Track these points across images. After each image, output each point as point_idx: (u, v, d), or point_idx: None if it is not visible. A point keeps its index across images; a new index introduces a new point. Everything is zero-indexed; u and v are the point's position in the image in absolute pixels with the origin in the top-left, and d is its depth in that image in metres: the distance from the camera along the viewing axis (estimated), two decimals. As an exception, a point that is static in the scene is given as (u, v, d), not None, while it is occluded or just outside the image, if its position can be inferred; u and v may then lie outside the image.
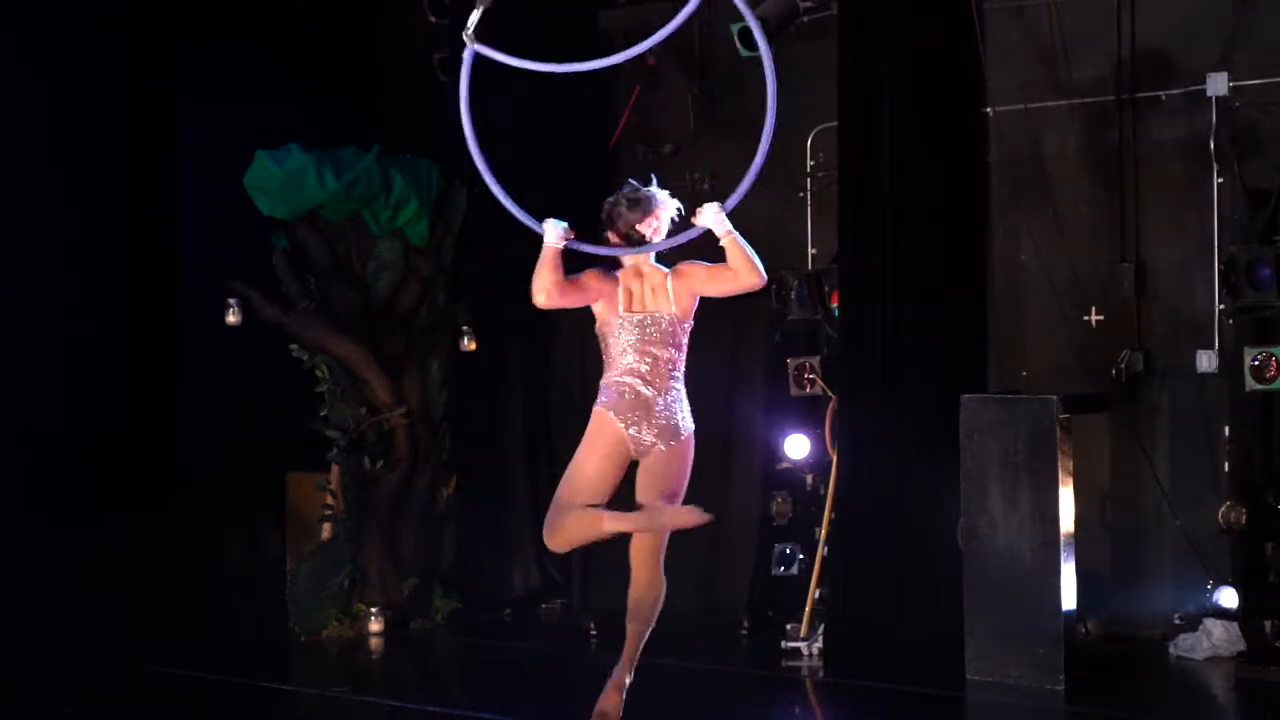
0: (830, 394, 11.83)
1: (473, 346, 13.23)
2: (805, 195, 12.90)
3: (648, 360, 7.54)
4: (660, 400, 7.55)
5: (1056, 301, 11.68)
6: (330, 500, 12.87)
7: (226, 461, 13.64)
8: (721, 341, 12.84)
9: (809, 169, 12.88)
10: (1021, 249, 11.95)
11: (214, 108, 13.37)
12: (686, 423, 7.61)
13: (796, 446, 12.19)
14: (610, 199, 7.77)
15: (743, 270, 7.48)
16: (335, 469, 12.88)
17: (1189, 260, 11.43)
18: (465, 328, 13.21)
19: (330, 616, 12.56)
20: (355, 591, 12.69)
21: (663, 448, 7.53)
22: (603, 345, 7.67)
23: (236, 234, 13.01)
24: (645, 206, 7.68)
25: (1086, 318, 11.74)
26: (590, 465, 7.50)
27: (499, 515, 13.47)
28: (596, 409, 7.60)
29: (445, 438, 13.16)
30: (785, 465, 12.32)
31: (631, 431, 7.52)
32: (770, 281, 12.15)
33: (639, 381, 7.53)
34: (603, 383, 7.65)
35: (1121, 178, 11.61)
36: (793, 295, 12.17)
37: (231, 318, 12.73)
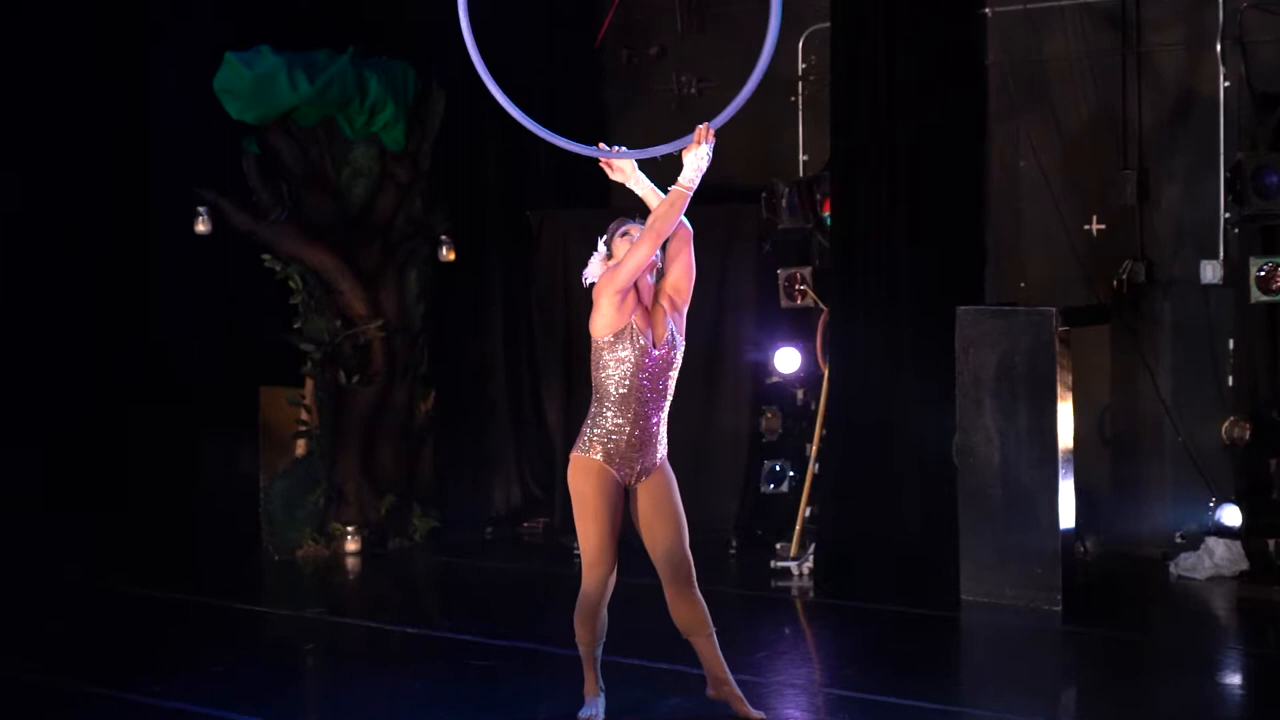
0: (822, 305, 11.83)
1: (451, 256, 13.18)
2: (797, 100, 12.86)
3: None
4: None
5: (1056, 210, 11.65)
6: (304, 416, 12.88)
7: (197, 376, 13.64)
8: (710, 252, 12.77)
9: (800, 73, 12.83)
10: (1020, 155, 11.92)
11: (182, 8, 13.30)
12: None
13: (787, 360, 12.19)
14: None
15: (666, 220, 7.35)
16: (309, 383, 12.88)
17: (1193, 167, 11.40)
18: (444, 237, 13.16)
19: (305, 535, 12.59)
20: (331, 510, 12.72)
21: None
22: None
23: (206, 139, 12.94)
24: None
25: (1087, 227, 11.72)
26: None
27: (479, 431, 13.47)
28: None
29: (423, 350, 13.16)
30: (775, 379, 12.34)
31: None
32: (760, 190, 12.33)
33: None
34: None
35: (1124, 81, 11.56)
36: (784, 204, 12.14)
37: (201, 226, 12.67)
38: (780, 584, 11.28)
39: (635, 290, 7.45)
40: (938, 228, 11.19)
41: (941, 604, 10.39)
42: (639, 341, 7.42)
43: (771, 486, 12.33)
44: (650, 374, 7.46)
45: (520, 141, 13.19)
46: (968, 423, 10.58)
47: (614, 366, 7.45)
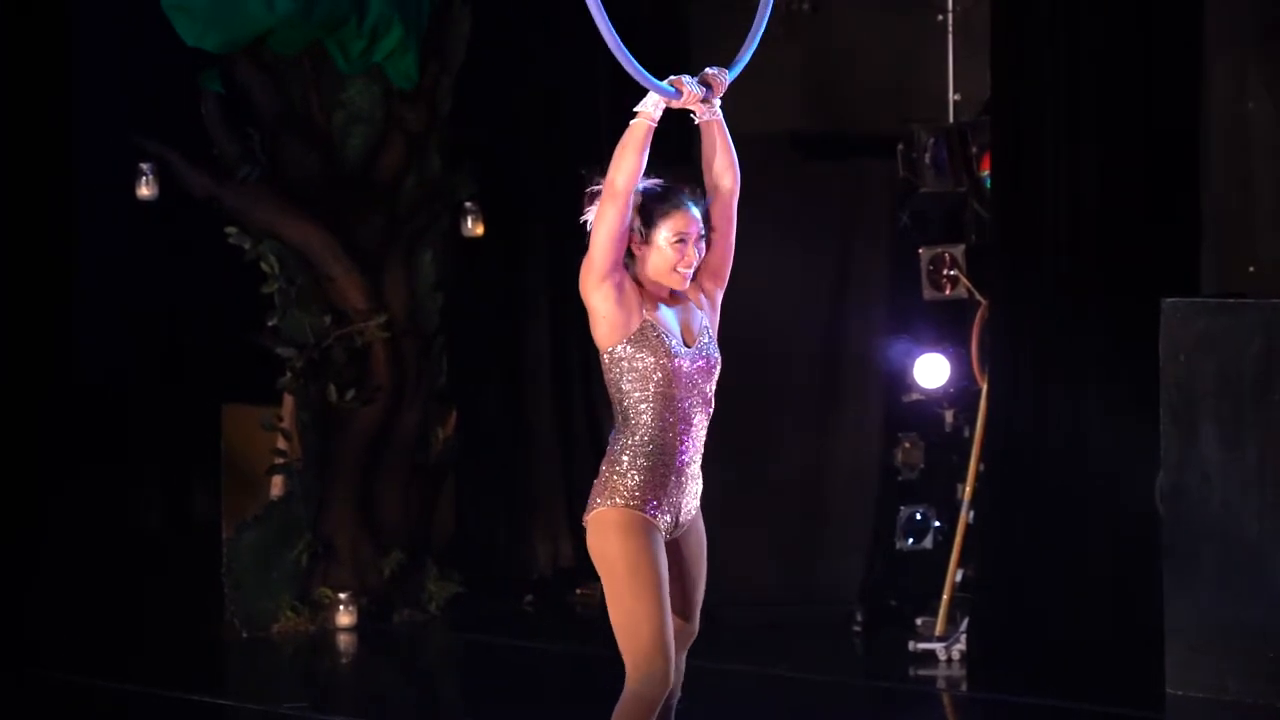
0: (979, 297, 11.86)
1: (479, 230, 13.26)
2: (945, 19, 12.84)
3: None
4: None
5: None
6: (282, 444, 12.97)
7: (137, 390, 13.69)
8: (826, 225, 12.82)
9: (952, -19, 12.88)
10: (1248, 94, 11.88)
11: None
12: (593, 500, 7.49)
13: (931, 371, 12.19)
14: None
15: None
16: (288, 401, 12.98)
17: None
18: (469, 204, 13.24)
19: (283, 605, 12.67)
20: (317, 571, 12.80)
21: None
22: None
23: (151, 73, 13.02)
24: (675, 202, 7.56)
25: (1341, 189, 11.72)
26: None
27: (516, 465, 13.50)
28: None
29: (441, 358, 13.24)
30: (915, 397, 12.35)
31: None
32: (896, 140, 12.33)
33: None
34: None
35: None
36: (927, 159, 12.12)
37: (144, 190, 12.78)
38: (922, 672, 11.31)
39: (630, 274, 7.40)
40: (1136, 192, 11.19)
41: (1140, 700, 10.36)
42: (665, 341, 7.41)
43: (910, 541, 12.30)
44: (687, 384, 7.36)
45: (572, 77, 13.25)
46: (1177, 456, 10.54)
47: (637, 382, 7.36)
